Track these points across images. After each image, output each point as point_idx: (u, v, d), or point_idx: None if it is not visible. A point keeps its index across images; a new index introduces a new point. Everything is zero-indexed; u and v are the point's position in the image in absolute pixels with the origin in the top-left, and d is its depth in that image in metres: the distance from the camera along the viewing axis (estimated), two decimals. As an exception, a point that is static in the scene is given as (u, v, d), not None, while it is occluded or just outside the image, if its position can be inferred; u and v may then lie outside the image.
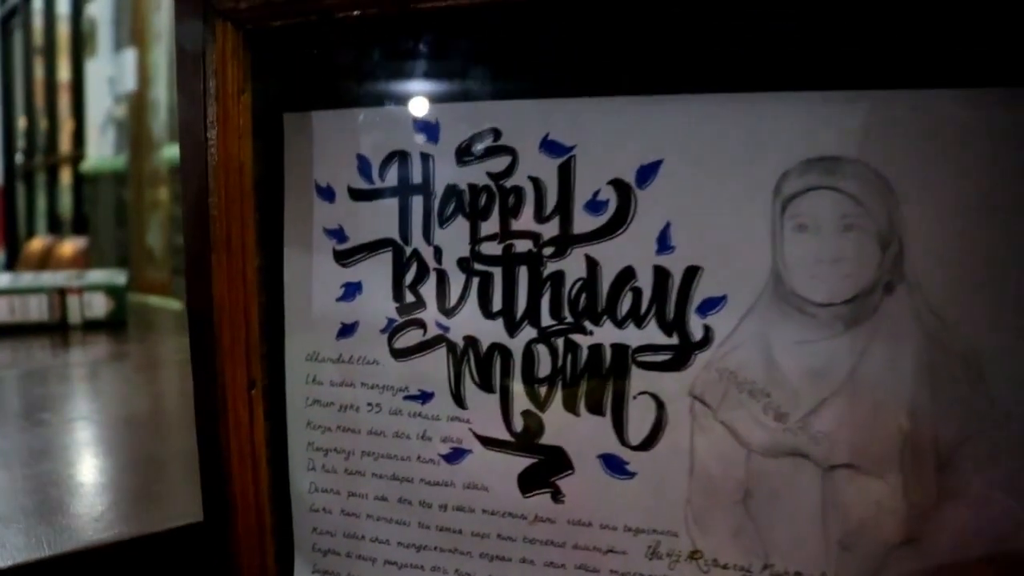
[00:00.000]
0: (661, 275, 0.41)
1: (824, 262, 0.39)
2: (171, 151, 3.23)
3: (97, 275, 1.43)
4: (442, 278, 0.45)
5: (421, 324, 0.45)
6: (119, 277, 1.36)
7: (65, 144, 4.72)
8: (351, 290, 0.47)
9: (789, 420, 0.40)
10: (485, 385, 0.45)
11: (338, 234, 0.47)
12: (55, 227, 4.82)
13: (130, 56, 3.58)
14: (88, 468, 0.66)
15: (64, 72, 4.63)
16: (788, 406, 0.40)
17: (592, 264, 0.42)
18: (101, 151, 4.02)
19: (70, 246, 3.98)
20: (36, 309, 1.27)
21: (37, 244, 4.23)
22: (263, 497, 0.48)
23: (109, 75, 3.86)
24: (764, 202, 0.39)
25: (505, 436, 0.44)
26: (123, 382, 0.98)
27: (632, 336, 0.42)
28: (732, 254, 0.40)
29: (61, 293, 1.28)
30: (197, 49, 0.43)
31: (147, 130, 3.50)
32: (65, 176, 4.77)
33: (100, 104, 3.97)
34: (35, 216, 5.20)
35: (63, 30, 4.59)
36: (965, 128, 0.37)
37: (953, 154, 0.37)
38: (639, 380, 0.42)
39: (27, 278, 1.45)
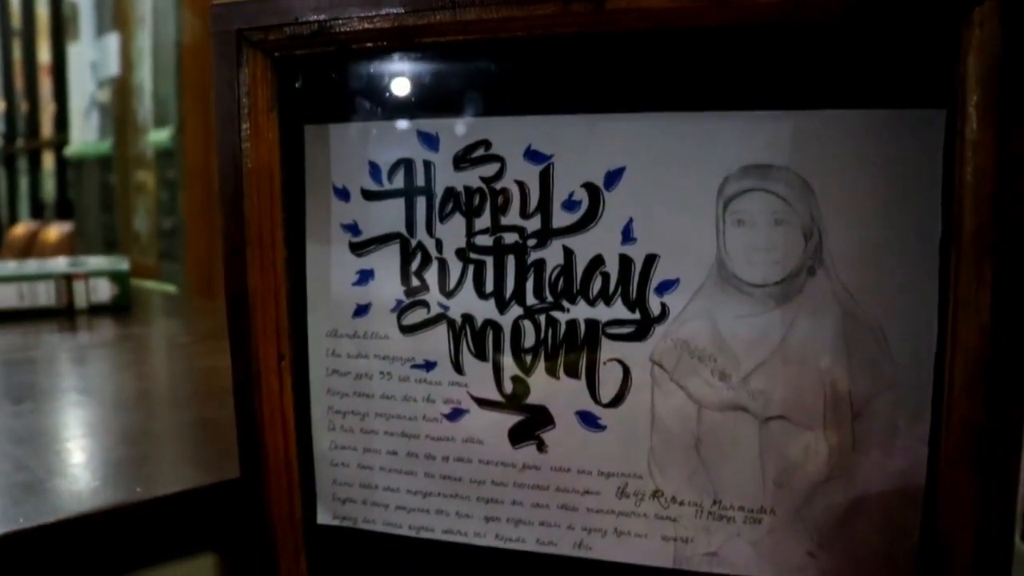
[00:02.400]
0: (625, 262, 0.47)
1: (759, 250, 0.45)
2: (157, 136, 3.24)
3: (100, 261, 1.48)
4: (443, 265, 0.51)
5: (425, 304, 0.51)
6: (122, 263, 1.41)
7: (47, 128, 4.68)
8: (365, 276, 0.52)
9: (732, 380, 0.46)
10: (480, 355, 0.50)
11: (353, 228, 0.52)
12: (38, 212, 4.79)
13: (113, 40, 3.57)
14: (130, 437, 0.71)
15: (44, 55, 4.59)
16: (731, 369, 0.46)
17: (568, 253, 0.48)
18: (85, 135, 4.00)
19: (55, 231, 3.97)
20: (44, 295, 1.32)
21: (21, 229, 4.22)
22: (291, 455, 0.54)
23: (92, 59, 3.85)
24: (709, 201, 0.45)
25: (497, 397, 0.50)
26: (140, 362, 1.03)
27: (602, 313, 0.48)
28: (684, 244, 0.46)
29: (67, 279, 1.33)
30: (232, 74, 0.49)
31: (132, 115, 3.50)
32: (48, 160, 4.73)
33: (83, 88, 3.95)
34: (17, 201, 5.16)
35: (42, 13, 4.54)
36: (872, 142, 0.43)
37: (862, 162, 0.43)
38: (608, 349, 0.48)
39: (33, 265, 1.50)
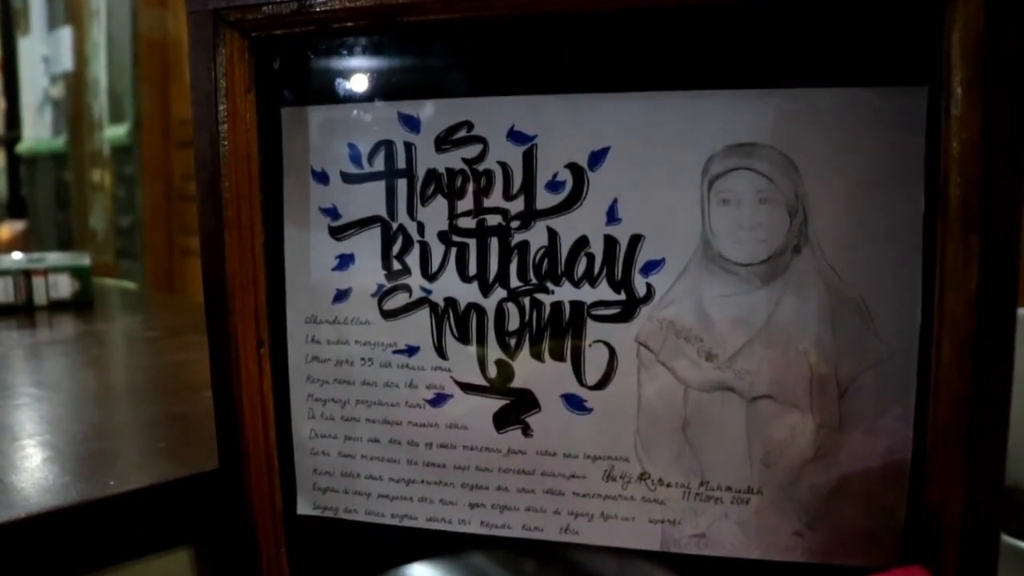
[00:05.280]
0: (610, 242, 0.47)
1: (744, 229, 0.45)
2: (113, 132, 3.19)
3: (60, 257, 1.44)
4: (424, 249, 0.50)
5: (407, 288, 0.51)
6: (83, 259, 1.38)
7: (-3, 125, 4.59)
8: (345, 261, 0.52)
9: (718, 360, 0.46)
10: (463, 339, 0.50)
11: (332, 212, 0.52)
12: (-11, 210, 4.70)
13: (66, 34, 3.50)
14: (99, 431, 0.69)
15: (-7, 50, 4.50)
16: (717, 349, 0.46)
17: (552, 234, 0.48)
18: (38, 132, 3.93)
19: (7, 230, 3.89)
20: (2, 291, 1.28)
21: (-28, 228, 4.13)
22: (271, 444, 0.53)
23: (44, 54, 3.77)
24: (694, 181, 0.45)
25: (481, 381, 0.50)
26: (106, 357, 1.01)
27: (587, 294, 0.48)
28: (669, 224, 0.46)
29: (26, 275, 1.29)
30: (209, 54, 0.48)
31: (87, 110, 3.44)
32: (-2, 158, 4.64)
33: (35, 84, 3.88)
34: (-32, 199, 5.05)
35: (-9, 6, 4.44)
36: (855, 120, 0.43)
37: (844, 140, 0.43)
38: (593, 331, 0.48)
39: (-11, 261, 1.46)
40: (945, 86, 0.40)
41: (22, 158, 4.10)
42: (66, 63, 3.49)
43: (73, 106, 3.52)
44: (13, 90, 4.13)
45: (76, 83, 3.46)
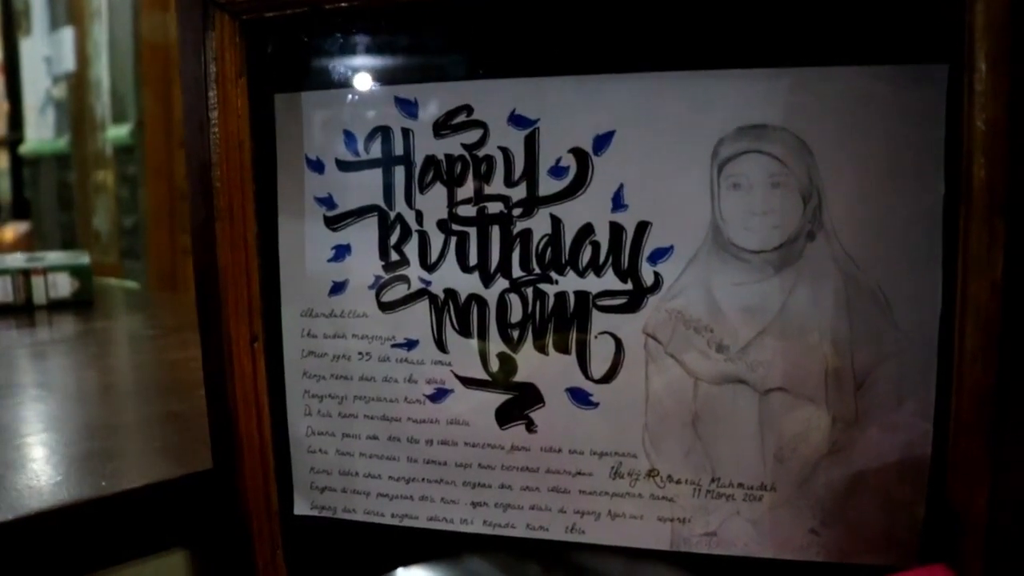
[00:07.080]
0: (616, 230, 0.46)
1: (756, 215, 0.44)
2: (115, 132, 3.18)
3: (60, 256, 1.43)
4: (423, 238, 0.49)
5: (405, 280, 0.49)
6: (83, 258, 1.37)
7: (0, 126, 4.59)
8: (341, 252, 0.50)
9: (729, 351, 0.45)
10: (464, 331, 0.49)
11: (328, 202, 0.50)
12: (-8, 212, 4.69)
13: (68, 35, 3.50)
14: (94, 431, 0.68)
15: (-5, 51, 4.49)
16: (728, 339, 0.45)
17: (556, 222, 0.46)
18: (41, 133, 3.92)
19: (11, 231, 3.89)
20: (1, 291, 1.27)
21: (-24, 230, 4.12)
22: (266, 442, 0.51)
23: (45, 55, 3.77)
24: (703, 165, 0.44)
25: (483, 376, 0.49)
26: (103, 356, 1.00)
27: (592, 284, 0.46)
28: (677, 210, 0.45)
29: (25, 274, 1.28)
30: (198, 38, 0.47)
31: (89, 111, 3.43)
32: (2, 159, 4.64)
33: (37, 85, 3.87)
34: (-29, 201, 5.05)
35: (-8, 7, 4.44)
36: (872, 99, 0.42)
37: (862, 121, 0.42)
38: (599, 322, 0.46)
39: (-12, 261, 1.45)
40: (968, 61, 0.38)
41: (25, 159, 4.10)
42: (68, 64, 3.48)
43: (75, 107, 3.51)
44: (15, 91, 4.13)
45: (78, 84, 3.45)
